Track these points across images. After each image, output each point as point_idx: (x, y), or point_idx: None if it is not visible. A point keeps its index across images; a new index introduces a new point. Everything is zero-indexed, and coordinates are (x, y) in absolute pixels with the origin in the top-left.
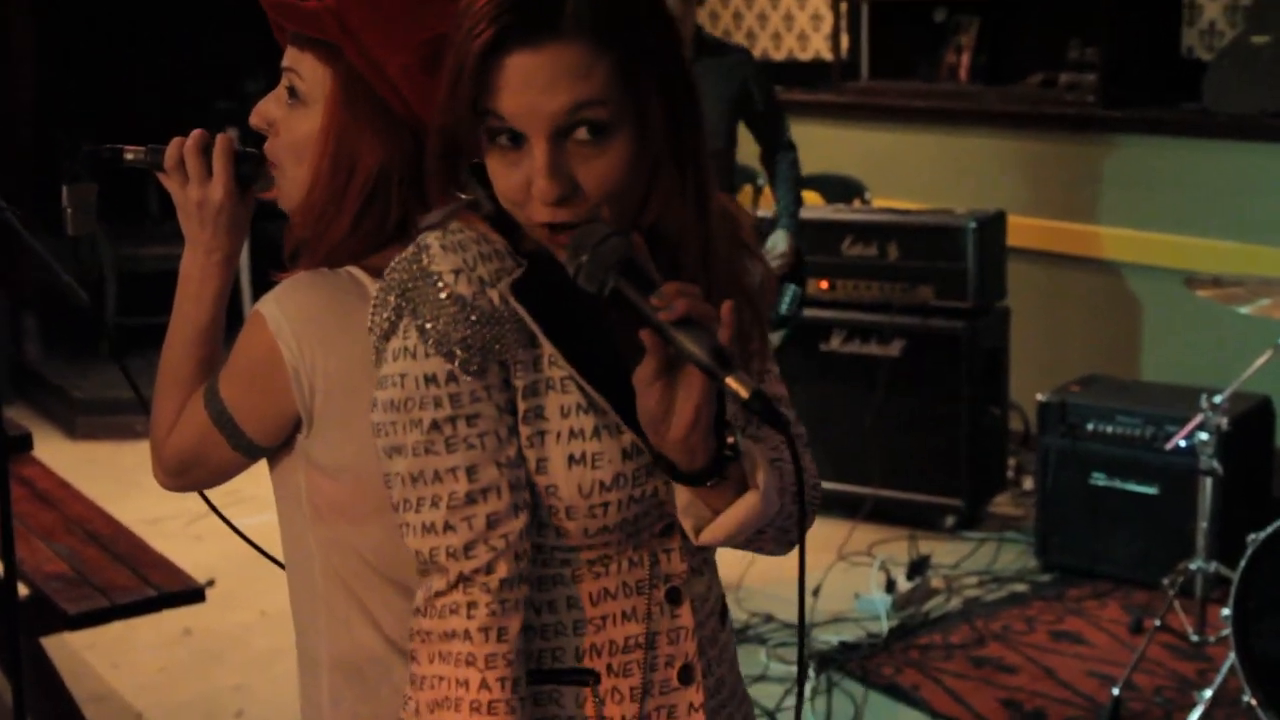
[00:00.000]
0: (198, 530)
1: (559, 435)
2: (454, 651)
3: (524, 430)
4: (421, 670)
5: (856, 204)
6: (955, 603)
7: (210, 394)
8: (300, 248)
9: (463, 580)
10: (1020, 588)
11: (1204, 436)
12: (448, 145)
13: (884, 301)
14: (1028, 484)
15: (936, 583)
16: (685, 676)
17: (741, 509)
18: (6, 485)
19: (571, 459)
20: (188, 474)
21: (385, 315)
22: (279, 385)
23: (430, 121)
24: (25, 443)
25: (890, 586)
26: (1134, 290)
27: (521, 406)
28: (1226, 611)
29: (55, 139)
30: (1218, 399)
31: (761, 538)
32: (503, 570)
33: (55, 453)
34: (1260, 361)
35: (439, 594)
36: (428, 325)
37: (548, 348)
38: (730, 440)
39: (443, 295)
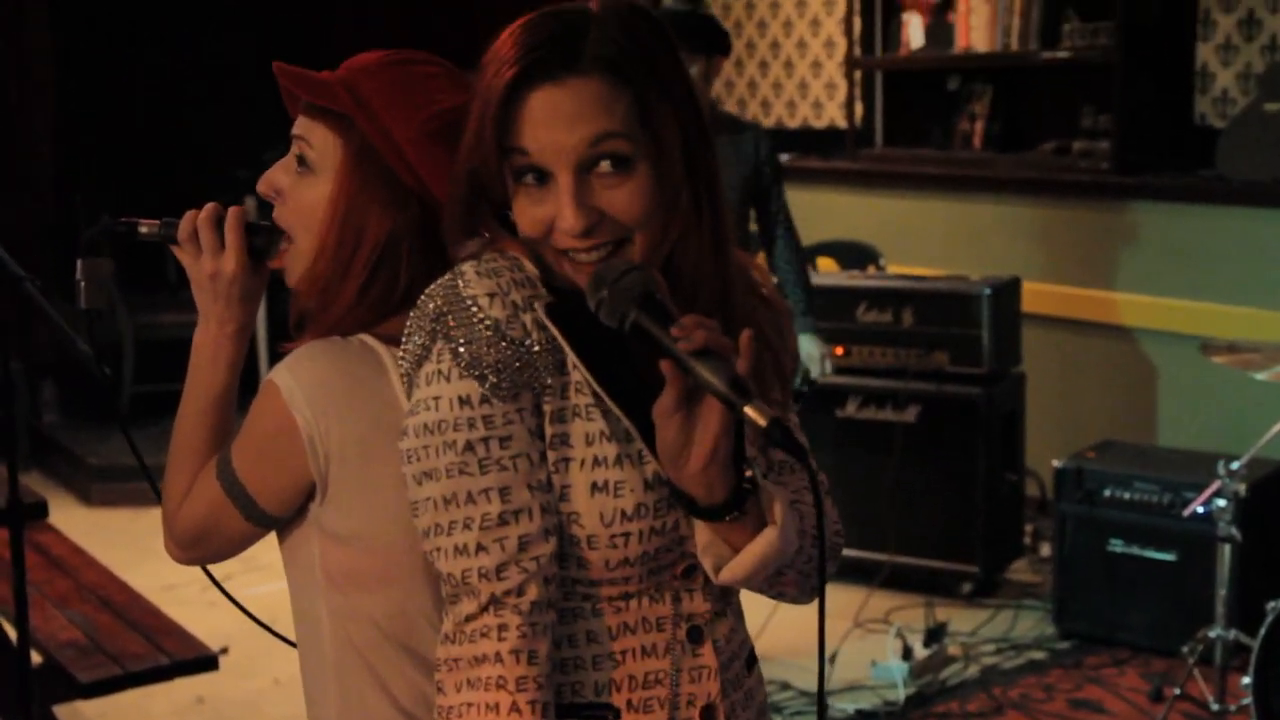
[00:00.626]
0: (212, 597)
1: (583, 463)
2: (484, 676)
3: (550, 456)
4: (448, 700)
5: (871, 270)
6: (973, 670)
7: (223, 465)
8: (305, 317)
9: (494, 602)
10: (1038, 655)
11: (1222, 503)
12: (471, 190)
13: (899, 368)
14: (1045, 550)
15: (954, 650)
16: (708, 717)
17: (761, 545)
18: (21, 553)
19: (594, 486)
20: (200, 545)
21: (419, 340)
22: (293, 454)
23: (455, 168)
24: (40, 510)
25: (907, 654)
26: (1149, 356)
27: (548, 432)
28: (1247, 680)
29: (75, 209)
30: (1235, 465)
31: (783, 580)
32: (533, 593)
33: (70, 519)
34: (1277, 428)
35: (469, 618)
36: (461, 348)
37: (575, 374)
38: (748, 474)
39: (477, 319)
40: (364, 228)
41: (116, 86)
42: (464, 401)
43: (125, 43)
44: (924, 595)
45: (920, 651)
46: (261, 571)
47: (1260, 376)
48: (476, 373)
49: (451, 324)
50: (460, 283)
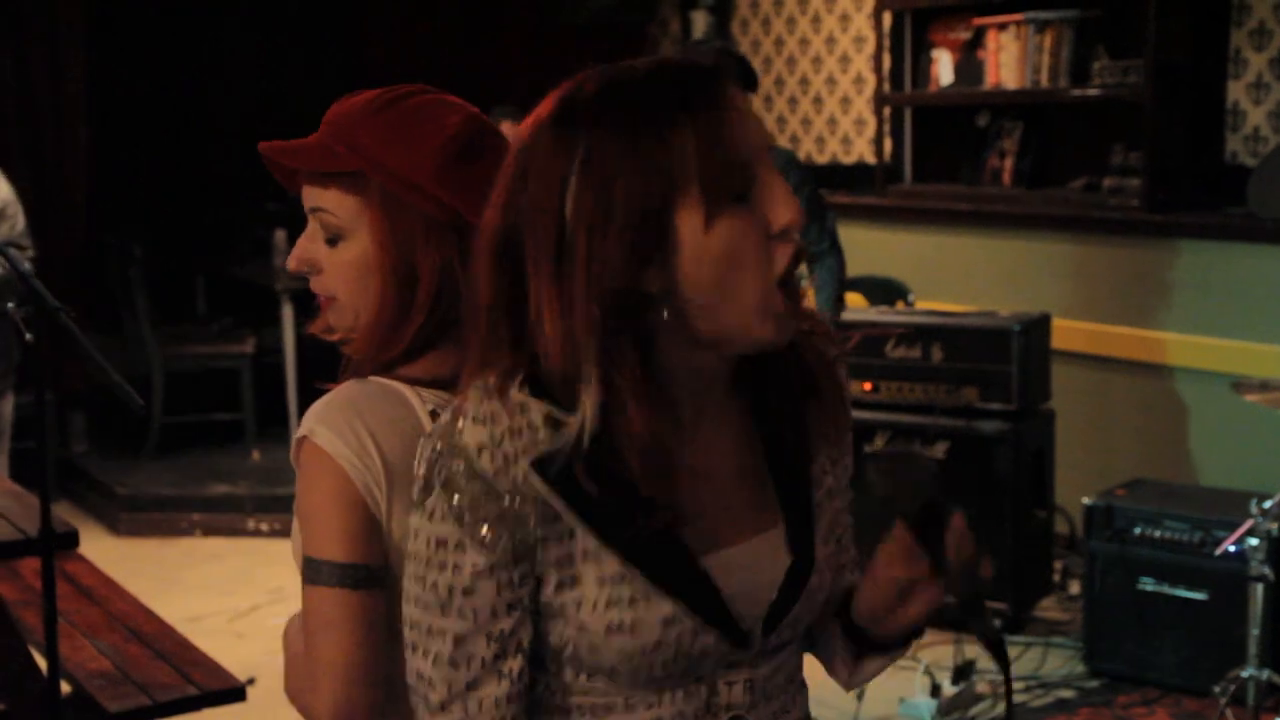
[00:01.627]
0: (239, 628)
1: (596, 604)
2: None
3: (561, 598)
4: None
5: (900, 306)
6: (1001, 708)
7: (309, 570)
8: (361, 361)
9: None
10: (1067, 694)
11: (1254, 542)
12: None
13: (928, 403)
14: (1074, 588)
15: (982, 687)
16: None
17: (878, 666)
18: (52, 583)
19: (610, 627)
20: (354, 678)
21: (422, 471)
22: (356, 502)
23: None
24: (71, 540)
25: (935, 691)
26: (1180, 394)
27: (555, 576)
28: None
29: (108, 240)
30: (1267, 504)
31: None
32: None
33: (99, 549)
34: None
35: None
36: (451, 495)
37: (569, 521)
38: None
39: (467, 469)
40: (416, 267)
41: (150, 121)
42: (440, 544)
43: (159, 78)
44: (952, 632)
45: (948, 689)
46: (288, 602)
47: None
48: (465, 522)
49: (446, 471)
50: (457, 429)
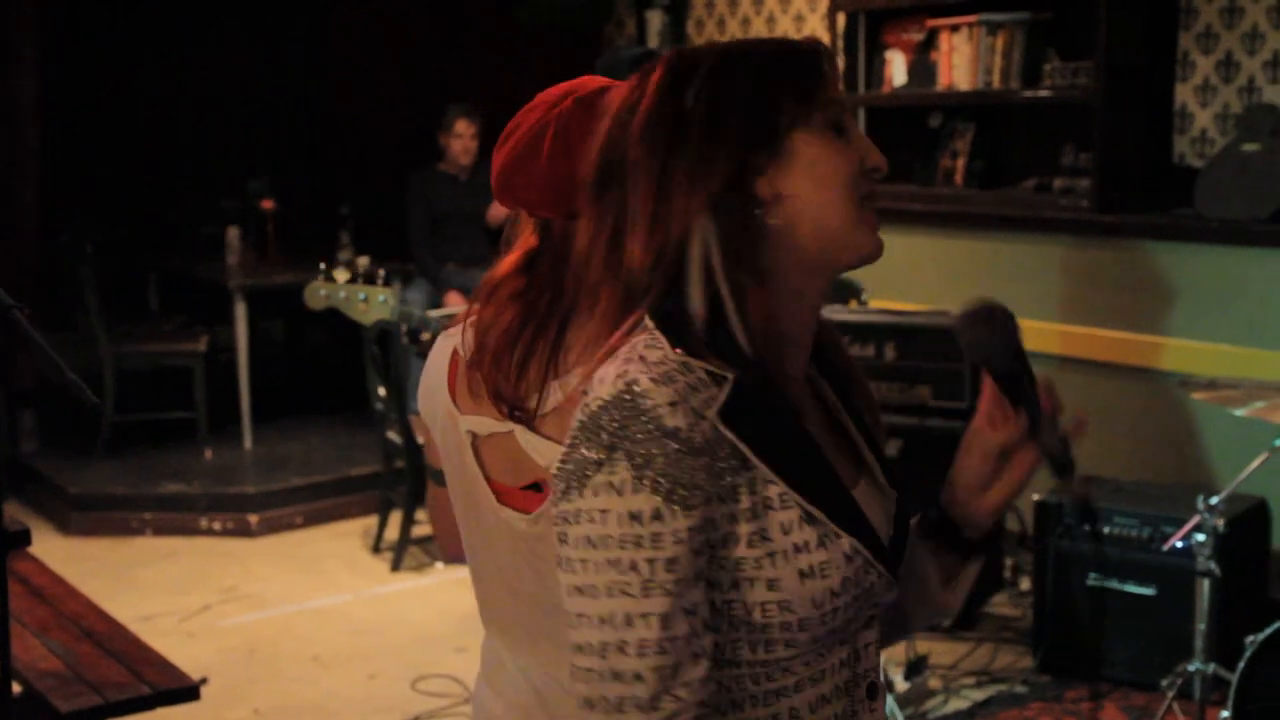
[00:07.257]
0: (190, 628)
1: (786, 553)
2: None
3: (752, 553)
4: None
5: (854, 305)
6: (953, 703)
7: (433, 475)
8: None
9: None
10: (1018, 689)
11: (1201, 538)
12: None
13: (881, 402)
14: (1025, 584)
15: (934, 683)
16: None
17: (973, 572)
18: (4, 581)
19: (803, 574)
20: (450, 536)
21: (591, 454)
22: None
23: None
24: (23, 538)
25: (888, 686)
26: (1129, 392)
27: (747, 530)
28: (1226, 714)
29: (60, 238)
30: (1214, 500)
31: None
32: None
33: (49, 549)
34: (1256, 463)
35: None
36: (646, 463)
37: (761, 469)
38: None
39: (657, 429)
40: None
41: (102, 118)
42: (635, 518)
43: (112, 75)
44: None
45: (901, 684)
46: (239, 602)
47: (1239, 412)
48: (663, 487)
49: (637, 437)
50: (637, 392)
